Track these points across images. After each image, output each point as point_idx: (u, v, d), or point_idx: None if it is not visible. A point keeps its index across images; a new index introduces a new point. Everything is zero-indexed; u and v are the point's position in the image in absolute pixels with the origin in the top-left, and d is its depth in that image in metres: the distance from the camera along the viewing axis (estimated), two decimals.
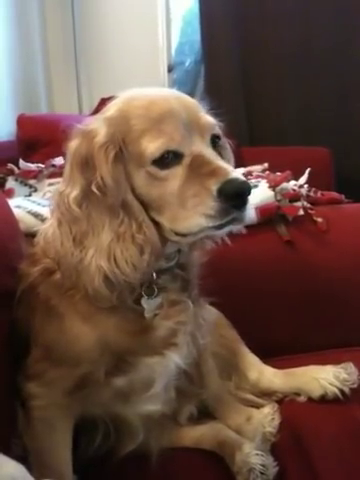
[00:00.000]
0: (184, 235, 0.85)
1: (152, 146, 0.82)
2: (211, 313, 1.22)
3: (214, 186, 0.80)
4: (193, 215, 0.81)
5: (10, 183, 1.85)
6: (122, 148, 0.83)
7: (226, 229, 0.86)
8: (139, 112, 0.84)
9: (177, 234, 0.85)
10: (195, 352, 1.03)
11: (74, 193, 0.82)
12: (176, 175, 0.83)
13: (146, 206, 0.85)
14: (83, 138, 0.85)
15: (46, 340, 0.92)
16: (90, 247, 0.81)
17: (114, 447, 1.04)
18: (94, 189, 0.81)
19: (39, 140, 2.36)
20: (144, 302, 0.90)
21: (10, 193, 1.75)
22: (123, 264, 0.81)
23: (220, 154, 0.91)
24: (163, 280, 0.93)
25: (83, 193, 0.82)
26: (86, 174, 0.83)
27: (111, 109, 0.88)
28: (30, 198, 1.62)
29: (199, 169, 0.82)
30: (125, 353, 0.91)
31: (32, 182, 1.78)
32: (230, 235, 1.35)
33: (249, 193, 0.82)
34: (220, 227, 0.83)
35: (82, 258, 0.81)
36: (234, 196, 0.80)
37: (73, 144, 0.85)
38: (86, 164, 0.83)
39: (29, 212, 1.35)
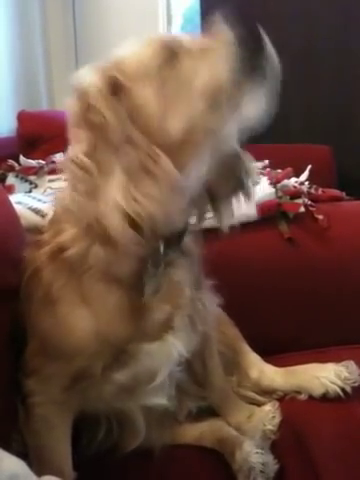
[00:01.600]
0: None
1: (154, 52, 0.81)
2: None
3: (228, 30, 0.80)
4: (216, 68, 0.79)
5: (10, 179, 1.84)
6: (117, 83, 0.80)
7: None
8: (125, 48, 0.85)
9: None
10: (196, 339, 1.01)
11: (81, 148, 0.79)
12: (183, 61, 0.81)
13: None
14: (77, 94, 0.82)
15: (42, 330, 0.90)
16: (105, 193, 0.76)
17: (116, 444, 1.03)
18: (95, 121, 0.78)
19: (40, 136, 2.36)
20: (146, 277, 0.85)
21: (10, 189, 1.74)
22: (141, 198, 0.74)
23: None
24: (171, 254, 0.88)
25: (90, 144, 0.78)
26: (88, 123, 0.79)
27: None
28: (31, 194, 1.62)
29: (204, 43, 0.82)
30: (123, 341, 0.88)
31: (32, 178, 1.77)
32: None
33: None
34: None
35: (98, 207, 0.75)
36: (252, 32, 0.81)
37: (70, 106, 0.82)
38: (86, 116, 0.79)
39: (30, 208, 1.35)
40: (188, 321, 0.96)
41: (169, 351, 0.94)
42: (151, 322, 0.89)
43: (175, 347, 0.94)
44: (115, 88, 0.80)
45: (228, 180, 0.92)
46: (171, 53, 0.81)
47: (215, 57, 0.80)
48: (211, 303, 1.06)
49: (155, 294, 0.87)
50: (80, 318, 0.87)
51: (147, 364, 0.92)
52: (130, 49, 0.85)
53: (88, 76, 0.82)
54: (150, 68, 0.81)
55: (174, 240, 0.88)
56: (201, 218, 0.96)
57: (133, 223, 0.75)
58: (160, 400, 1.00)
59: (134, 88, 0.80)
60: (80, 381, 0.90)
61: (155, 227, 0.76)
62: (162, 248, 0.85)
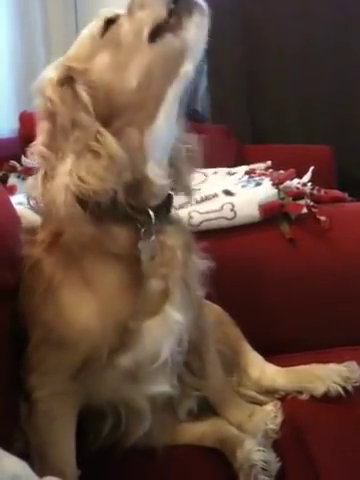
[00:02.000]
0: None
1: (95, 26, 0.90)
2: (214, 310, 1.23)
3: None
4: (149, 8, 0.86)
5: (12, 180, 1.86)
6: (70, 74, 0.87)
7: (193, 20, 0.86)
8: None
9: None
10: (193, 305, 1.01)
11: (40, 139, 0.86)
12: (121, 21, 0.89)
13: (111, 118, 0.86)
14: (38, 91, 0.89)
15: (45, 320, 0.90)
16: (57, 175, 0.82)
17: (123, 434, 1.04)
18: (47, 109, 0.85)
19: None
20: (141, 245, 0.90)
21: (12, 190, 1.75)
22: (85, 176, 0.81)
23: None
24: (159, 222, 0.93)
25: (48, 134, 0.86)
26: (45, 115, 0.86)
27: None
28: None
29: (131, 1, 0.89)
30: (127, 317, 0.89)
31: None
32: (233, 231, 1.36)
33: None
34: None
35: (51, 187, 0.82)
36: None
37: (36, 102, 0.89)
38: (44, 109, 0.87)
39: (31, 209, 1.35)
40: (183, 285, 0.97)
41: (169, 326, 0.95)
42: (150, 290, 0.91)
43: (174, 320, 0.95)
44: (67, 76, 0.87)
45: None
46: (109, 20, 0.90)
47: (145, 0, 0.87)
48: (202, 267, 1.06)
49: (151, 260, 0.91)
50: (83, 300, 0.88)
51: (149, 343, 0.93)
52: (78, 38, 0.95)
53: (45, 73, 0.90)
54: (92, 41, 0.90)
55: (162, 209, 0.94)
56: (187, 187, 1.02)
57: (80, 200, 0.81)
58: (163, 387, 1.01)
59: (85, 67, 0.88)
60: (86, 369, 0.90)
61: (96, 194, 0.82)
62: (153, 217, 0.91)
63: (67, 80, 0.87)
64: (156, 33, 0.86)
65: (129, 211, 0.89)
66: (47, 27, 3.34)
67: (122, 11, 0.91)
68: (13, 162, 1.87)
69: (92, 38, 0.90)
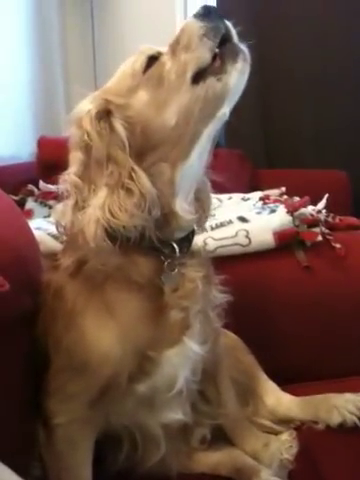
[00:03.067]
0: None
1: (137, 62, 0.92)
2: (229, 337, 1.23)
3: (188, 19, 0.91)
4: (195, 51, 0.88)
5: (29, 204, 1.87)
6: (109, 107, 0.89)
7: (237, 66, 0.89)
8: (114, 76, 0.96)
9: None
10: (211, 336, 1.03)
11: (74, 168, 0.88)
12: (164, 59, 0.91)
13: (145, 152, 0.89)
14: (74, 122, 0.91)
15: (67, 345, 0.91)
16: (89, 207, 0.85)
17: (140, 459, 1.04)
18: (84, 142, 0.87)
19: (59, 162, 2.37)
20: (164, 277, 0.92)
21: (29, 214, 1.77)
22: (117, 211, 0.83)
23: None
24: (182, 255, 0.94)
25: (82, 164, 0.88)
26: (81, 147, 0.88)
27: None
28: (50, 219, 1.64)
29: (175, 39, 0.92)
30: (147, 346, 0.90)
31: (51, 203, 1.80)
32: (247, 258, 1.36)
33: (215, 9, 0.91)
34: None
35: (83, 218, 0.84)
36: (205, 8, 0.90)
37: (70, 134, 0.91)
38: (80, 140, 0.89)
39: (49, 234, 1.37)
40: (202, 316, 0.98)
41: (186, 354, 0.96)
42: (171, 321, 0.92)
43: (192, 351, 0.96)
44: (105, 110, 0.89)
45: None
46: (151, 57, 0.92)
47: (187, 40, 0.90)
48: (221, 300, 1.07)
49: (174, 292, 0.92)
50: (105, 327, 0.89)
51: (167, 371, 0.94)
52: (117, 72, 0.97)
53: (83, 104, 0.92)
54: (133, 76, 0.91)
55: (185, 242, 0.96)
56: (204, 219, 1.04)
57: (109, 234, 0.84)
58: (177, 415, 1.02)
59: (125, 102, 0.90)
60: (106, 394, 0.91)
61: (125, 230, 0.84)
62: (177, 250, 0.93)
63: (105, 113, 0.89)
64: (199, 75, 0.88)
65: (155, 244, 0.90)
66: (65, 53, 3.40)
67: (162, 49, 0.94)
68: (31, 186, 1.89)
69: (133, 74, 0.91)
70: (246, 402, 1.22)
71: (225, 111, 0.90)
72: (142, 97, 0.89)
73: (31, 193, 1.94)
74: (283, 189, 1.92)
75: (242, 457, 1.10)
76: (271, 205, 1.57)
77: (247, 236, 1.39)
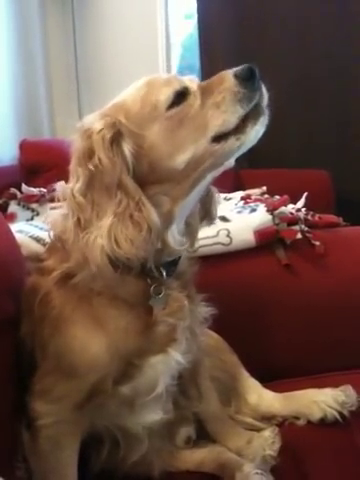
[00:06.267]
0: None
1: (163, 95, 0.88)
2: (211, 337, 1.24)
3: (230, 75, 0.88)
4: (224, 113, 0.87)
5: (12, 207, 1.86)
6: (120, 129, 0.88)
7: (256, 128, 0.89)
8: (132, 91, 0.93)
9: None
10: (195, 349, 1.05)
11: (78, 185, 0.87)
12: (191, 102, 0.89)
13: (147, 182, 0.89)
14: (81, 135, 0.89)
15: (56, 349, 0.92)
16: (94, 230, 0.84)
17: (121, 458, 1.05)
18: (92, 168, 0.86)
19: (41, 165, 2.39)
20: (152, 301, 0.93)
21: (12, 218, 1.77)
22: (123, 242, 0.83)
23: None
24: (168, 278, 0.95)
25: (86, 183, 0.86)
26: (88, 164, 0.86)
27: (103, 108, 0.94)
28: (32, 222, 1.64)
29: (208, 85, 0.90)
30: (133, 355, 0.92)
31: (34, 206, 1.79)
32: (229, 257, 1.37)
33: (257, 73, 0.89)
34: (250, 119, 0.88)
35: (87, 241, 0.84)
36: (248, 71, 0.88)
37: (74, 144, 0.90)
38: (87, 155, 0.87)
39: (31, 237, 1.37)
40: (189, 332, 1.00)
41: (169, 362, 0.97)
42: (158, 334, 0.94)
43: (175, 359, 0.97)
44: (118, 135, 0.87)
45: (199, 210, 1.03)
46: (179, 95, 0.89)
47: (220, 98, 0.88)
48: (205, 315, 1.10)
49: (162, 310, 0.94)
50: (94, 337, 0.91)
51: (149, 376, 0.96)
52: (136, 91, 0.92)
53: (95, 121, 0.89)
54: (155, 108, 0.89)
55: (171, 265, 0.96)
56: (193, 243, 1.04)
57: (111, 261, 0.84)
58: (157, 415, 1.03)
59: (140, 132, 0.88)
60: (93, 397, 0.92)
61: (128, 260, 0.85)
62: (165, 275, 0.94)
63: (116, 136, 0.87)
64: (220, 135, 0.88)
65: (145, 268, 0.91)
66: (47, 56, 3.40)
67: (190, 82, 0.92)
68: (13, 190, 1.88)
69: (156, 106, 0.89)
70: (228, 401, 1.23)
71: (232, 161, 0.92)
72: (158, 133, 0.88)
73: (14, 196, 1.92)
74: (264, 188, 1.93)
75: (225, 453, 1.11)
76: (252, 204, 1.58)
77: (228, 235, 1.40)
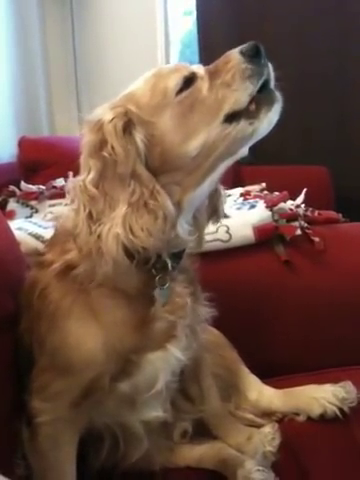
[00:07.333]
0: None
1: (172, 81, 0.87)
2: (211, 333, 1.24)
3: (235, 53, 0.87)
4: (235, 92, 0.86)
5: (11, 205, 1.87)
6: (132, 118, 0.87)
7: (270, 115, 0.88)
8: (140, 83, 0.92)
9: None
10: (196, 346, 1.04)
11: (90, 176, 0.85)
12: (200, 85, 0.88)
13: (158, 172, 0.87)
14: (91, 128, 0.87)
15: (51, 346, 0.92)
16: (107, 221, 0.83)
17: (121, 457, 1.05)
18: (106, 155, 0.84)
19: (40, 162, 2.39)
20: (157, 292, 0.92)
21: (11, 215, 1.77)
22: (138, 231, 0.82)
23: None
24: (173, 270, 0.94)
25: (99, 174, 0.85)
26: (99, 155, 0.85)
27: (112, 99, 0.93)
28: (31, 220, 1.64)
29: (215, 67, 0.89)
30: (130, 351, 0.91)
31: (33, 203, 1.80)
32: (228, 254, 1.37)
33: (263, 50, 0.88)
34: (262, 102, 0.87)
35: (100, 233, 0.82)
36: (254, 48, 0.87)
37: (85, 137, 0.88)
38: (99, 147, 0.85)
39: (30, 234, 1.37)
40: (189, 330, 0.99)
41: (168, 359, 0.96)
42: (156, 331, 0.93)
43: (174, 355, 0.97)
44: (129, 123, 0.86)
45: (206, 207, 1.01)
46: (187, 80, 0.88)
47: (229, 76, 0.87)
48: (206, 315, 1.09)
49: (164, 306, 0.93)
50: (90, 331, 0.90)
51: (148, 372, 0.95)
52: (144, 82, 0.92)
53: (105, 113, 0.88)
54: (165, 95, 0.88)
55: (176, 258, 0.94)
56: (201, 242, 1.02)
57: (127, 251, 0.83)
58: (156, 412, 1.02)
59: (151, 120, 0.87)
60: (90, 395, 0.91)
61: (144, 250, 0.84)
62: (170, 266, 0.92)
63: (127, 125, 0.86)
64: (232, 115, 0.86)
65: (149, 260, 0.89)
66: (46, 54, 3.40)
67: (197, 68, 0.91)
68: (12, 187, 1.88)
69: (165, 92, 0.88)
70: (229, 397, 1.23)
71: (245, 150, 0.90)
72: (169, 120, 0.87)
73: (13, 194, 1.93)
74: (263, 185, 1.93)
75: (226, 449, 1.11)
76: (251, 201, 1.58)
77: (228, 231, 1.40)
